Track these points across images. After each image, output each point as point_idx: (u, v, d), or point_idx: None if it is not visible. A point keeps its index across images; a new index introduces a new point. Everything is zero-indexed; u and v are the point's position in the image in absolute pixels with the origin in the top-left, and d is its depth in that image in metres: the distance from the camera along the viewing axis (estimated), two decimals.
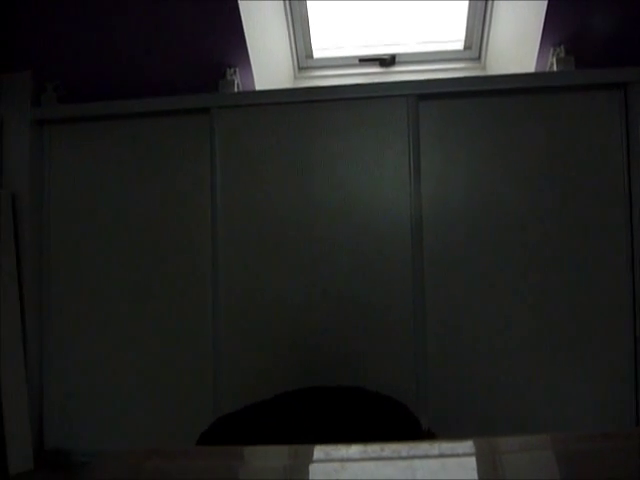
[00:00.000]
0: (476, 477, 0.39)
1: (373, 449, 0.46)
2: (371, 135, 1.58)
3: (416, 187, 1.55)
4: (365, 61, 2.11)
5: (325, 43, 2.13)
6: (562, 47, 1.66)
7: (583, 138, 1.53)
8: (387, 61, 2.09)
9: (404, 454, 0.44)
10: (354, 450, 0.48)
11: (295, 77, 2.16)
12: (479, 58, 2.09)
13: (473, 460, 0.41)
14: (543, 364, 1.50)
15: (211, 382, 1.60)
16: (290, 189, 1.60)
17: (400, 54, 2.09)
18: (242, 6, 1.63)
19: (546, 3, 1.57)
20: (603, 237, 1.50)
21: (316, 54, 2.15)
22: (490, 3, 1.91)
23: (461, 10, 1.99)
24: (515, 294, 1.52)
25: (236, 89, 1.78)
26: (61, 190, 1.73)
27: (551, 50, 1.68)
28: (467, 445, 0.47)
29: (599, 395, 1.48)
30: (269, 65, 1.95)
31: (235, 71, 1.81)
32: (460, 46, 2.09)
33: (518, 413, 1.50)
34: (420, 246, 1.54)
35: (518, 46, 1.82)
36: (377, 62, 2.10)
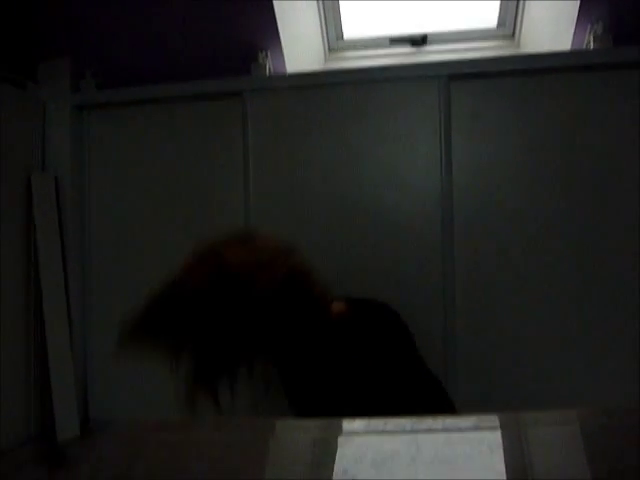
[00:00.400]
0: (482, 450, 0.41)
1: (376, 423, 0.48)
2: (402, 117, 1.59)
3: (447, 169, 1.55)
4: (396, 41, 2.09)
5: (356, 24, 2.12)
6: (600, 24, 1.61)
7: (619, 117, 1.49)
8: (418, 41, 2.07)
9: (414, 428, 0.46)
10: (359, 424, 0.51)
11: (326, 59, 2.16)
12: (513, 36, 2.05)
13: (482, 435, 0.43)
14: (573, 346, 1.50)
15: None
16: (322, 171, 1.62)
17: (432, 33, 2.07)
18: None
19: None
20: (630, 220, 1.48)
21: (346, 35, 2.15)
22: None
23: None
24: (547, 277, 1.52)
25: (268, 72, 1.80)
26: (101, 173, 1.79)
27: (588, 27, 1.64)
28: (489, 419, 0.48)
29: (629, 374, 1.48)
30: (300, 47, 1.95)
31: (267, 54, 1.83)
32: (494, 24, 2.05)
33: (546, 393, 1.51)
34: (451, 228, 1.55)
35: (554, 23, 1.78)
36: (408, 42, 2.08)
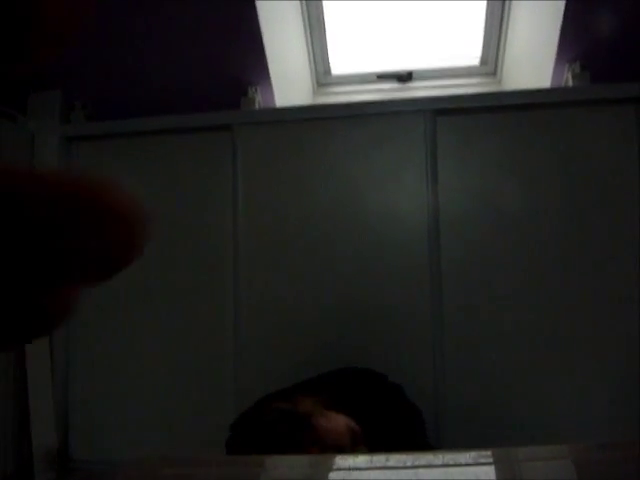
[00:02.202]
0: None
1: (379, 459, 0.48)
2: (389, 151, 1.62)
3: (434, 202, 1.58)
4: (383, 77, 2.15)
5: (343, 60, 2.18)
6: (578, 63, 1.68)
7: (599, 153, 1.54)
8: (404, 77, 2.13)
9: (409, 464, 0.46)
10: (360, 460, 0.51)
11: (314, 93, 2.21)
12: (495, 73, 2.12)
13: (480, 470, 0.42)
14: (561, 369, 1.51)
15: (232, 384, 1.63)
16: (311, 204, 1.64)
17: (417, 70, 2.13)
18: (263, 24, 1.68)
19: (561, 19, 1.59)
20: (618, 253, 1.51)
21: (334, 71, 2.20)
22: (506, 19, 1.95)
23: (477, 26, 2.02)
24: (533, 305, 1.53)
25: (257, 106, 1.84)
26: None
27: (566, 65, 1.71)
28: (483, 455, 0.48)
29: (615, 396, 1.48)
30: (289, 82, 2.00)
31: (256, 89, 1.86)
32: (476, 62, 2.12)
33: (534, 414, 1.50)
34: (438, 260, 1.56)
35: (534, 61, 1.85)
36: (394, 78, 2.14)
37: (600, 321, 1.51)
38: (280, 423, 1.00)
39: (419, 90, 2.10)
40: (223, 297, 1.66)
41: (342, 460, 0.55)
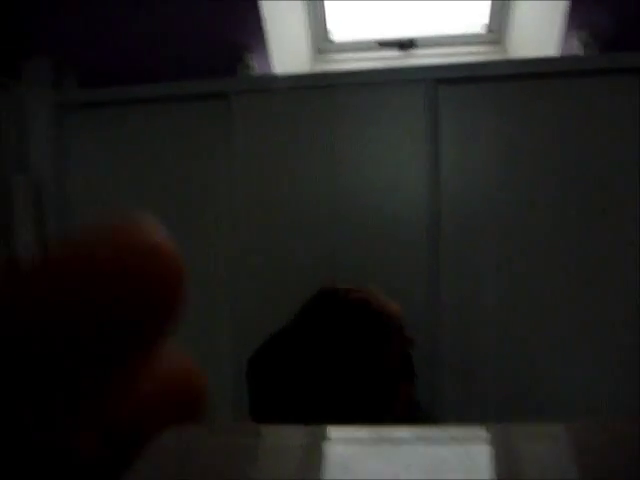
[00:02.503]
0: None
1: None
2: (390, 120, 1.57)
3: (434, 172, 1.54)
4: (384, 45, 2.08)
5: (344, 26, 2.11)
6: (586, 31, 1.62)
7: (606, 122, 1.50)
8: (406, 44, 2.06)
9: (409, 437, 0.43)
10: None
11: (313, 60, 2.14)
12: (501, 41, 2.05)
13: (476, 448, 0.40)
14: (560, 350, 1.50)
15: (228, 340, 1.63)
16: (308, 174, 1.60)
17: (420, 37, 2.06)
18: None
19: None
20: (627, 223, 1.48)
21: (334, 37, 2.13)
22: None
23: None
24: (534, 281, 1.51)
25: (254, 74, 1.78)
26: (81, 174, 1.75)
27: (575, 34, 1.65)
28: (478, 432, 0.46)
29: (613, 376, 1.48)
30: (287, 49, 1.94)
31: (253, 55, 1.81)
32: (482, 29, 2.05)
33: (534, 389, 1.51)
34: (437, 231, 1.54)
35: (542, 29, 1.78)
36: (396, 45, 2.08)
37: (606, 295, 1.49)
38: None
39: (422, 58, 2.04)
40: (218, 267, 1.64)
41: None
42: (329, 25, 2.09)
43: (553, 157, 1.51)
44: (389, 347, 0.96)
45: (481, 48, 2.05)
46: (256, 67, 1.81)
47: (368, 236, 1.56)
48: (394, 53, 2.07)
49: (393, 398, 0.97)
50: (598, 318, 1.49)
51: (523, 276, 1.52)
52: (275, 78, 1.71)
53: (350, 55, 2.11)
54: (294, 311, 1.11)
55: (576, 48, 1.64)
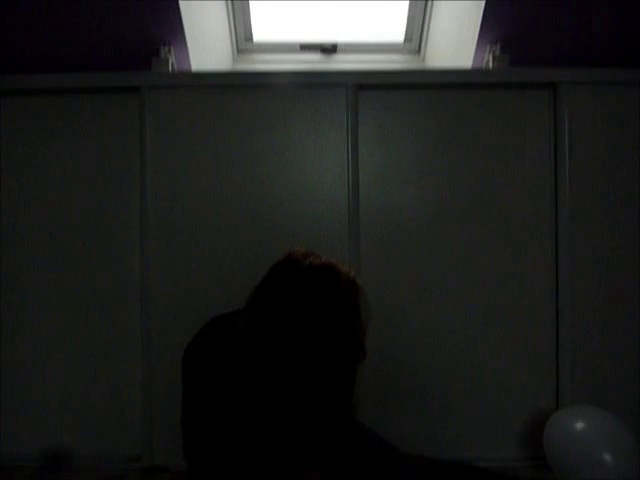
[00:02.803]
0: None
1: None
2: (310, 122, 1.56)
3: (354, 175, 1.54)
4: (306, 48, 2.07)
5: (266, 27, 2.07)
6: (498, 45, 1.70)
7: (515, 134, 1.57)
8: (328, 49, 2.06)
9: None
10: None
11: (234, 60, 2.09)
12: (419, 51, 2.11)
13: None
14: (476, 344, 1.55)
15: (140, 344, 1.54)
16: (224, 174, 1.55)
17: (342, 43, 2.07)
18: None
19: (484, 2, 1.59)
20: (531, 226, 1.56)
21: (256, 38, 2.09)
22: None
23: (403, 2, 1.99)
24: (449, 280, 1.56)
25: (170, 69, 1.70)
26: None
27: (487, 47, 1.72)
28: None
29: (524, 373, 1.55)
30: (206, 45, 1.87)
31: (170, 49, 1.72)
32: (401, 38, 2.10)
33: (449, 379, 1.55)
34: (357, 233, 1.54)
35: (456, 41, 1.85)
36: (318, 49, 2.07)
37: (515, 296, 1.56)
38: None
39: (343, 63, 2.05)
40: (129, 266, 1.54)
41: None
42: (252, 25, 2.05)
43: (465, 161, 1.56)
44: (358, 304, 1.01)
45: (399, 57, 2.10)
46: (173, 62, 1.72)
47: (288, 235, 1.53)
48: (316, 57, 2.06)
49: (362, 354, 1.01)
50: (512, 312, 1.56)
51: (438, 272, 1.55)
52: (193, 74, 1.64)
53: (272, 56, 2.08)
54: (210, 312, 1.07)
55: (489, 61, 1.71)
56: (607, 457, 1.26)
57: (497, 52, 1.69)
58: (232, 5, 1.96)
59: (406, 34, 2.08)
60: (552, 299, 1.56)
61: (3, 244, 1.57)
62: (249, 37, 2.08)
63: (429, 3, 1.95)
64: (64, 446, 1.50)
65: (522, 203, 1.56)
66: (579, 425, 1.35)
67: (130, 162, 1.56)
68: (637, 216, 1.57)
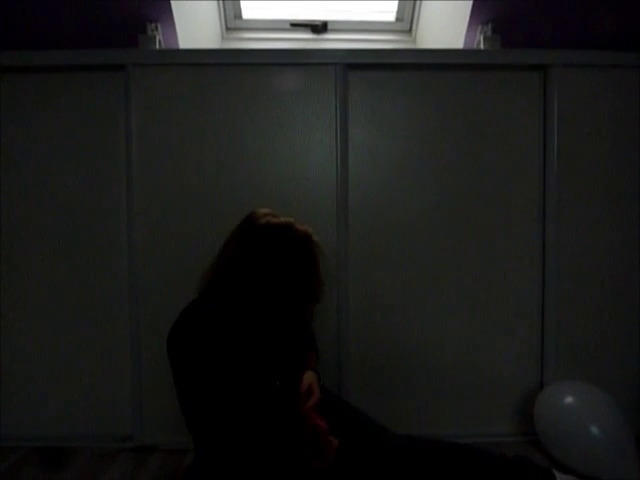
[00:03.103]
0: None
1: None
2: (300, 101, 1.54)
3: (343, 154, 1.53)
4: (296, 26, 2.04)
5: (255, 4, 2.03)
6: (489, 26, 1.68)
7: (505, 115, 1.57)
8: (319, 27, 2.03)
9: None
10: None
11: (222, 37, 2.05)
12: (410, 31, 2.08)
13: None
14: (465, 324, 1.57)
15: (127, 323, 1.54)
16: (211, 154, 1.53)
17: (332, 21, 2.04)
18: None
19: None
20: (518, 207, 1.57)
21: (245, 15, 2.05)
22: None
23: None
24: (436, 260, 1.57)
25: (158, 46, 1.67)
26: None
27: (479, 28, 1.70)
28: None
29: (510, 351, 1.58)
30: (194, 23, 1.83)
31: (157, 27, 1.69)
32: (392, 17, 2.07)
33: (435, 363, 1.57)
34: (345, 213, 1.54)
35: (448, 22, 1.83)
36: (309, 28, 2.04)
37: (499, 279, 1.57)
38: None
39: (333, 42, 2.02)
40: (116, 246, 1.53)
41: None
42: (241, 2, 2.01)
43: (454, 141, 1.56)
44: (312, 255, 1.09)
45: (391, 37, 2.07)
46: (160, 40, 1.69)
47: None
48: (306, 35, 2.03)
49: (315, 299, 1.10)
50: (499, 294, 1.57)
51: (426, 252, 1.56)
52: (178, 52, 1.61)
53: (261, 35, 2.05)
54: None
55: (480, 42, 1.69)
56: (595, 430, 1.30)
57: (489, 33, 1.68)
58: None
59: (397, 13, 2.06)
60: (539, 282, 1.57)
61: None
62: (238, 15, 2.05)
63: None
64: (62, 446, 1.51)
65: (511, 183, 1.57)
66: (568, 400, 1.39)
67: (116, 140, 1.54)
68: (623, 199, 1.57)
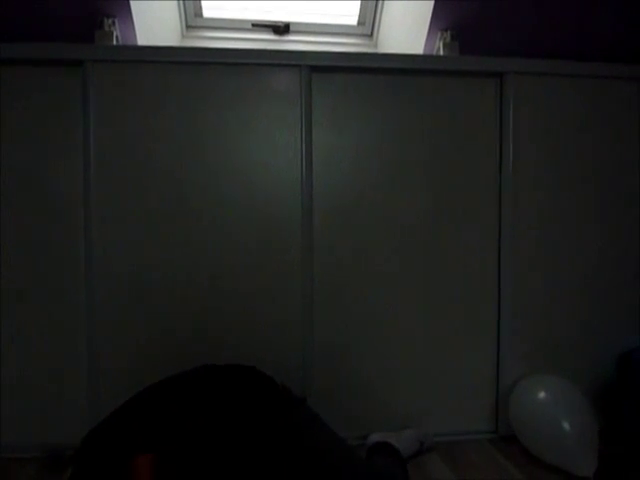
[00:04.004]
0: None
1: None
2: (262, 103, 1.53)
3: (307, 156, 1.53)
4: (258, 26, 2.03)
5: (216, 3, 2.01)
6: (449, 32, 1.73)
7: (463, 121, 1.61)
8: (281, 29, 2.03)
9: None
10: None
11: (182, 36, 2.02)
12: (371, 35, 2.11)
13: None
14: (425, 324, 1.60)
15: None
16: (168, 155, 1.49)
17: (294, 23, 2.04)
18: None
19: None
20: (475, 210, 1.62)
21: (206, 13, 2.03)
22: None
23: None
24: (399, 260, 1.59)
25: (115, 42, 1.62)
26: None
27: (438, 34, 1.74)
28: None
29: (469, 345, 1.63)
30: (154, 19, 1.79)
31: (114, 22, 1.64)
32: (354, 21, 2.09)
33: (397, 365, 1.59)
34: (310, 213, 1.54)
35: (409, 27, 1.86)
36: (270, 29, 2.03)
37: (466, 278, 1.62)
38: None
39: (295, 44, 2.02)
40: (74, 251, 1.48)
41: None
42: (202, 0, 1.98)
43: (414, 144, 1.59)
44: None
45: (352, 40, 2.10)
46: (118, 35, 1.64)
47: (240, 215, 1.51)
48: (268, 36, 2.03)
49: None
50: (456, 286, 1.61)
51: (389, 250, 1.59)
52: (137, 49, 1.57)
53: (222, 34, 2.02)
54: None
55: (439, 48, 1.73)
56: (566, 426, 1.37)
57: (448, 39, 1.72)
58: None
59: (359, 17, 2.08)
60: (494, 284, 1.62)
61: None
62: (199, 13, 2.01)
63: None
64: (62, 448, 1.44)
65: (469, 185, 1.61)
66: (542, 395, 1.47)
67: (73, 137, 1.48)
68: (575, 200, 1.65)
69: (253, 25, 2.02)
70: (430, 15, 1.70)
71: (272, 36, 2.03)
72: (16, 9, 1.59)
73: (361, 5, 2.04)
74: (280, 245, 1.54)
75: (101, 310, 1.48)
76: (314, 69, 1.54)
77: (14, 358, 1.48)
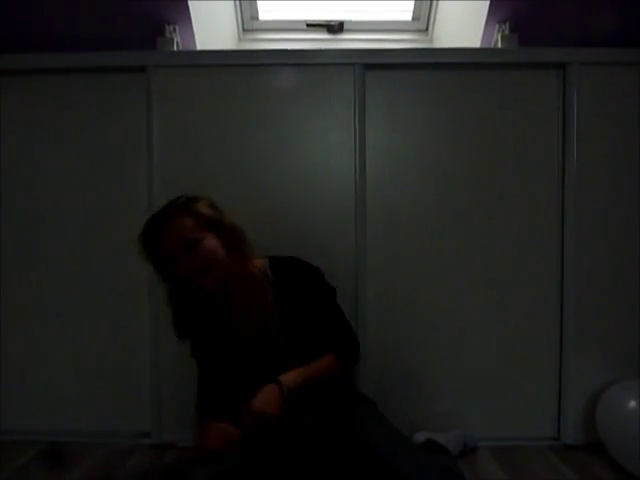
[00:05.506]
0: None
1: None
2: (317, 102, 1.54)
3: (361, 155, 1.54)
4: (313, 26, 2.05)
5: (272, 6, 2.05)
6: (507, 24, 1.67)
7: (523, 114, 1.55)
8: (335, 28, 2.04)
9: None
10: None
11: (239, 39, 2.07)
12: (427, 30, 2.08)
13: None
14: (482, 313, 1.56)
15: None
16: (229, 155, 1.54)
17: (348, 21, 2.05)
18: None
19: None
20: (536, 208, 1.56)
21: (262, 16, 2.07)
22: None
23: None
24: (455, 259, 1.56)
25: (176, 48, 1.69)
26: None
27: (496, 27, 1.70)
28: None
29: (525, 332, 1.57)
30: (212, 24, 1.85)
31: (175, 29, 1.71)
32: (409, 17, 2.07)
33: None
34: (364, 214, 1.54)
35: (465, 20, 1.82)
36: (325, 28, 2.05)
37: (509, 273, 1.56)
38: None
39: (350, 42, 2.02)
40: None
41: None
42: (258, 4, 2.02)
43: (472, 141, 1.55)
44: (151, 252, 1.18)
45: (407, 36, 2.07)
46: (178, 41, 1.71)
47: (294, 215, 1.54)
48: (322, 36, 2.04)
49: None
50: (517, 298, 1.56)
51: (444, 255, 1.56)
52: (198, 53, 1.63)
53: (277, 35, 2.06)
54: None
55: (497, 40, 1.68)
56: None
57: (506, 31, 1.67)
58: None
59: (414, 13, 2.05)
60: (557, 281, 1.55)
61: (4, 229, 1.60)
62: (255, 16, 2.06)
63: None
64: (63, 446, 1.52)
65: (529, 184, 1.55)
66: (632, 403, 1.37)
67: (137, 144, 1.55)
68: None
69: (308, 25, 2.04)
70: (487, 7, 1.66)
71: (327, 35, 2.05)
72: (81, 19, 1.68)
73: (416, 0, 2.01)
74: (334, 242, 1.54)
75: None
76: (367, 67, 1.54)
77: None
